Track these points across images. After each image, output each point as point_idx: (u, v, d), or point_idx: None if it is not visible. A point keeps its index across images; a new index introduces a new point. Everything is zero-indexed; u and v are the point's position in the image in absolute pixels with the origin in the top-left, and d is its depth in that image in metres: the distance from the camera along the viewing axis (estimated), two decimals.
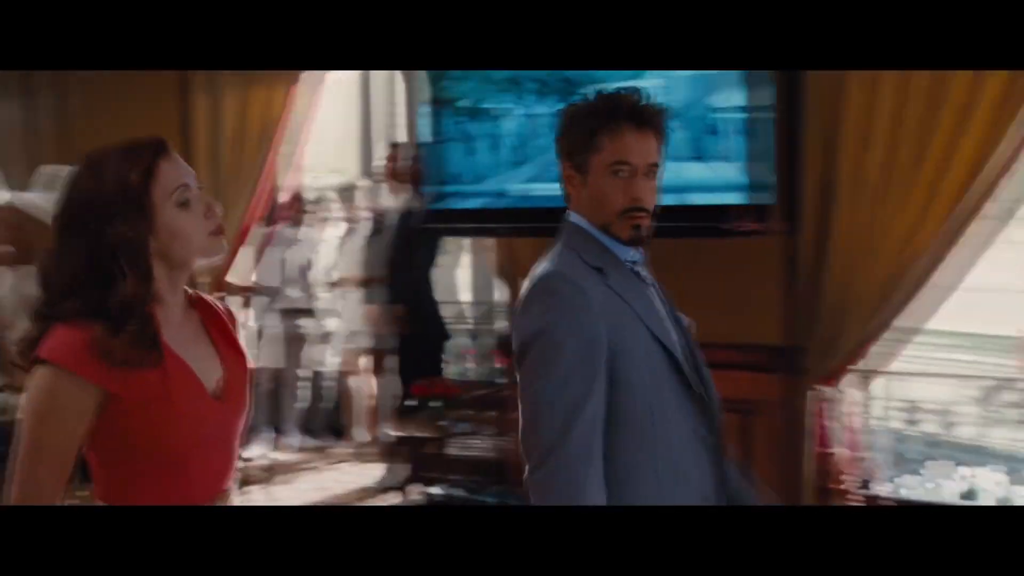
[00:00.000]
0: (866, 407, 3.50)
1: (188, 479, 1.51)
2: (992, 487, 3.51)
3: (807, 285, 3.22)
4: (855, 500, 3.30)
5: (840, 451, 3.30)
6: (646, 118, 1.71)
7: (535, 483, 1.65)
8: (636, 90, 1.74)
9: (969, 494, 3.52)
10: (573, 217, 1.78)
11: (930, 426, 4.01)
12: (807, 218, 3.19)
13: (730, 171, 3.01)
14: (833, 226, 3.15)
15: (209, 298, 1.65)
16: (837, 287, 3.17)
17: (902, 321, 3.17)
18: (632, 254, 1.76)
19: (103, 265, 1.44)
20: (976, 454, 3.88)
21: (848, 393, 3.32)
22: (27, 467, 1.42)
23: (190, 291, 1.60)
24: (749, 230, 3.03)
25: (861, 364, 3.27)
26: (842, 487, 3.30)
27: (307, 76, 4.68)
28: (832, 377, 3.25)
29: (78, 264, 1.45)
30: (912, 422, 4.05)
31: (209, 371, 1.54)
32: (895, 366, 3.90)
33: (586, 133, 1.72)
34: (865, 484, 3.49)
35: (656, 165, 1.74)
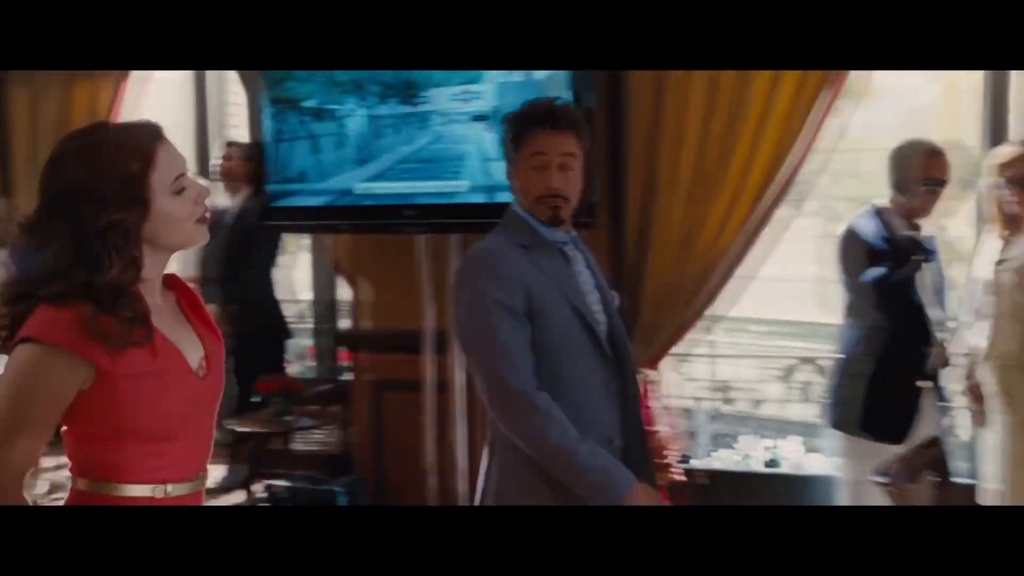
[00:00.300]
0: (683, 388, 3.82)
1: (171, 456, 1.51)
2: (790, 456, 3.94)
3: (631, 276, 3.49)
4: (676, 473, 3.60)
5: (662, 429, 3.58)
6: (559, 118, 2.03)
7: (508, 423, 1.95)
8: (553, 98, 2.10)
9: (772, 463, 3.93)
10: (511, 205, 2.10)
11: (740, 404, 4.41)
12: (630, 214, 3.47)
13: None
14: (653, 222, 3.43)
15: (182, 279, 1.64)
16: (657, 278, 3.45)
17: (715, 309, 3.50)
18: (557, 235, 2.07)
19: (91, 249, 1.42)
20: (778, 428, 4.31)
21: (667, 375, 3.62)
22: (4, 442, 1.40)
23: (165, 272, 1.59)
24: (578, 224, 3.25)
25: (679, 348, 3.58)
26: (665, 462, 3.59)
27: (136, 73, 4.58)
28: (654, 361, 3.51)
29: (64, 246, 1.42)
30: (725, 401, 4.43)
31: (191, 350, 1.55)
32: (709, 350, 4.26)
33: (513, 134, 2.05)
34: (685, 459, 3.82)
35: (570, 157, 2.03)
